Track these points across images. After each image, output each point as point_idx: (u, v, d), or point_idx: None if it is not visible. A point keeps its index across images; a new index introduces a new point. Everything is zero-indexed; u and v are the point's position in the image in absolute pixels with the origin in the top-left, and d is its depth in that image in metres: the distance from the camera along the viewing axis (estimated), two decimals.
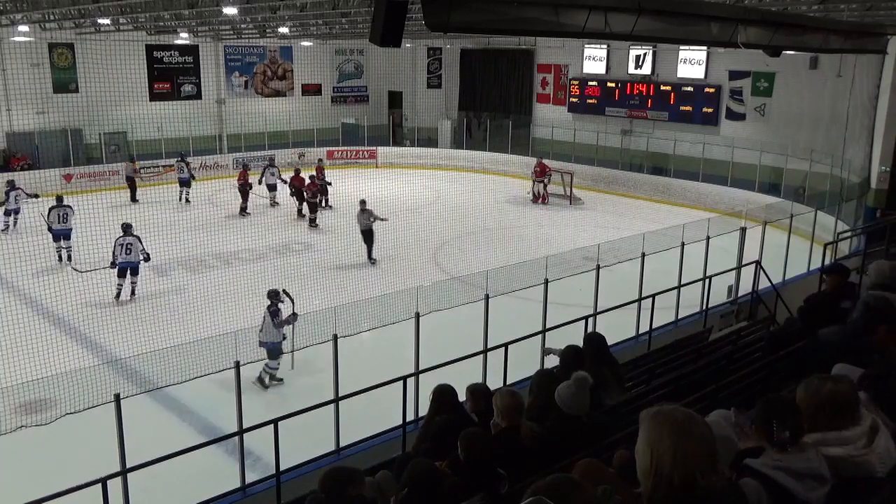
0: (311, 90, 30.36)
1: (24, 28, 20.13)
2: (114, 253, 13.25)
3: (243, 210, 20.44)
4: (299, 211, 20.17)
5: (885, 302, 4.56)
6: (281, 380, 10.24)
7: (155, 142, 25.01)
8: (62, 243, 15.59)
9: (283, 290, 10.19)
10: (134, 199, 21.68)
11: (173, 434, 8.46)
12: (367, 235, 15.97)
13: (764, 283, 11.33)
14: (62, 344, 10.90)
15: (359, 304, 10.25)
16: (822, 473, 2.54)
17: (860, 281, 6.83)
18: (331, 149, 28.57)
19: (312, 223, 19.18)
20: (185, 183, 21.95)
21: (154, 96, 26.00)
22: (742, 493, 2.38)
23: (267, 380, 10.06)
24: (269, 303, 10.08)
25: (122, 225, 13.66)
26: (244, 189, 20.43)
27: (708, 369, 6.71)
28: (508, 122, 28.01)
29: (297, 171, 20.67)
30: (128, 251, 13.25)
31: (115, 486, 6.00)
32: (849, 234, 15.10)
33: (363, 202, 16.09)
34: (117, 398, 6.22)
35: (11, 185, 18.41)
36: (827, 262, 11.47)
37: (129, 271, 13.38)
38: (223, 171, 26.09)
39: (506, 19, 5.95)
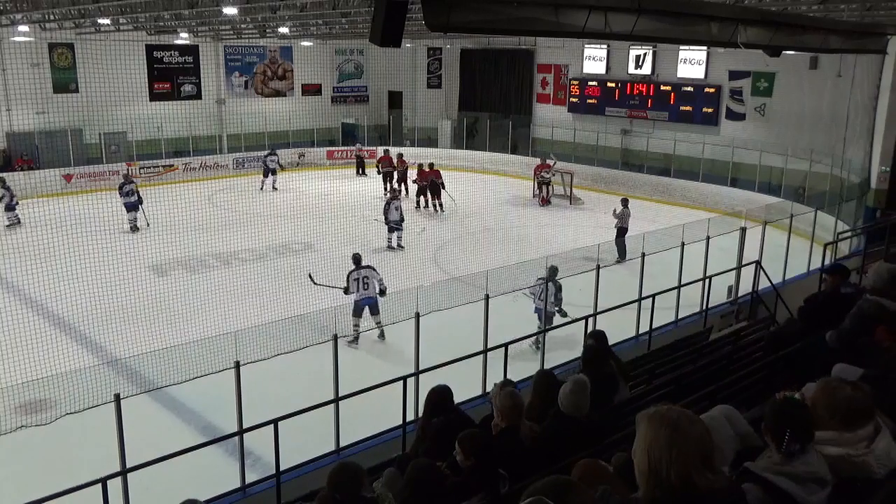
0: (311, 90, 30.36)
1: (24, 28, 20.13)
2: (347, 285, 11.51)
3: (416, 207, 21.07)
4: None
5: (880, 309, 4.56)
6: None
7: (155, 142, 25.02)
8: None
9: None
10: (362, 173, 26.30)
11: (173, 434, 8.46)
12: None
13: (764, 283, 11.33)
14: (62, 344, 10.89)
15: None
16: (823, 477, 2.54)
17: (860, 281, 6.84)
18: (331, 149, 28.58)
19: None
20: (271, 172, 23.96)
21: (154, 96, 25.98)
22: (742, 495, 2.39)
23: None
24: (547, 275, 10.78)
25: (353, 256, 11.92)
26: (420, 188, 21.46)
27: (708, 369, 6.72)
28: (508, 122, 28.01)
29: (420, 167, 21.91)
30: (365, 286, 11.52)
31: (115, 486, 6.00)
32: (849, 234, 15.11)
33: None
34: (117, 398, 6.21)
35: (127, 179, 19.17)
36: (827, 262, 11.49)
37: (366, 309, 11.54)
38: (223, 171, 26.13)
39: (506, 19, 5.97)
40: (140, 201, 18.53)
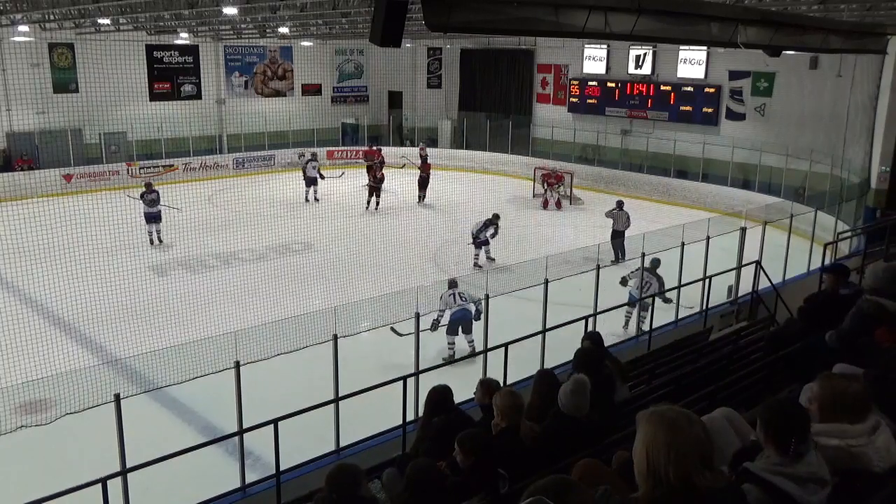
0: (311, 90, 30.35)
1: (24, 28, 20.11)
2: (440, 311, 11.06)
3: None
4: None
5: (880, 308, 4.57)
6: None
7: (155, 142, 25.02)
8: None
9: None
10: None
11: (173, 434, 8.46)
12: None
13: (764, 283, 11.33)
14: (62, 344, 10.89)
15: (359, 304, 10.27)
16: (822, 476, 2.54)
17: (859, 282, 6.84)
18: (331, 149, 28.58)
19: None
20: (312, 182, 22.14)
21: (154, 96, 25.95)
22: (742, 495, 2.39)
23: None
24: (650, 265, 11.27)
25: (449, 281, 11.60)
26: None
27: (708, 369, 6.72)
28: (509, 122, 28.01)
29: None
30: (462, 298, 11.19)
31: (115, 486, 6.00)
32: (849, 234, 15.11)
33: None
34: (117, 398, 6.21)
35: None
36: (827, 262, 11.48)
37: (461, 328, 11.19)
38: (223, 171, 26.13)
39: (506, 19, 5.97)
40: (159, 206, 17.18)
